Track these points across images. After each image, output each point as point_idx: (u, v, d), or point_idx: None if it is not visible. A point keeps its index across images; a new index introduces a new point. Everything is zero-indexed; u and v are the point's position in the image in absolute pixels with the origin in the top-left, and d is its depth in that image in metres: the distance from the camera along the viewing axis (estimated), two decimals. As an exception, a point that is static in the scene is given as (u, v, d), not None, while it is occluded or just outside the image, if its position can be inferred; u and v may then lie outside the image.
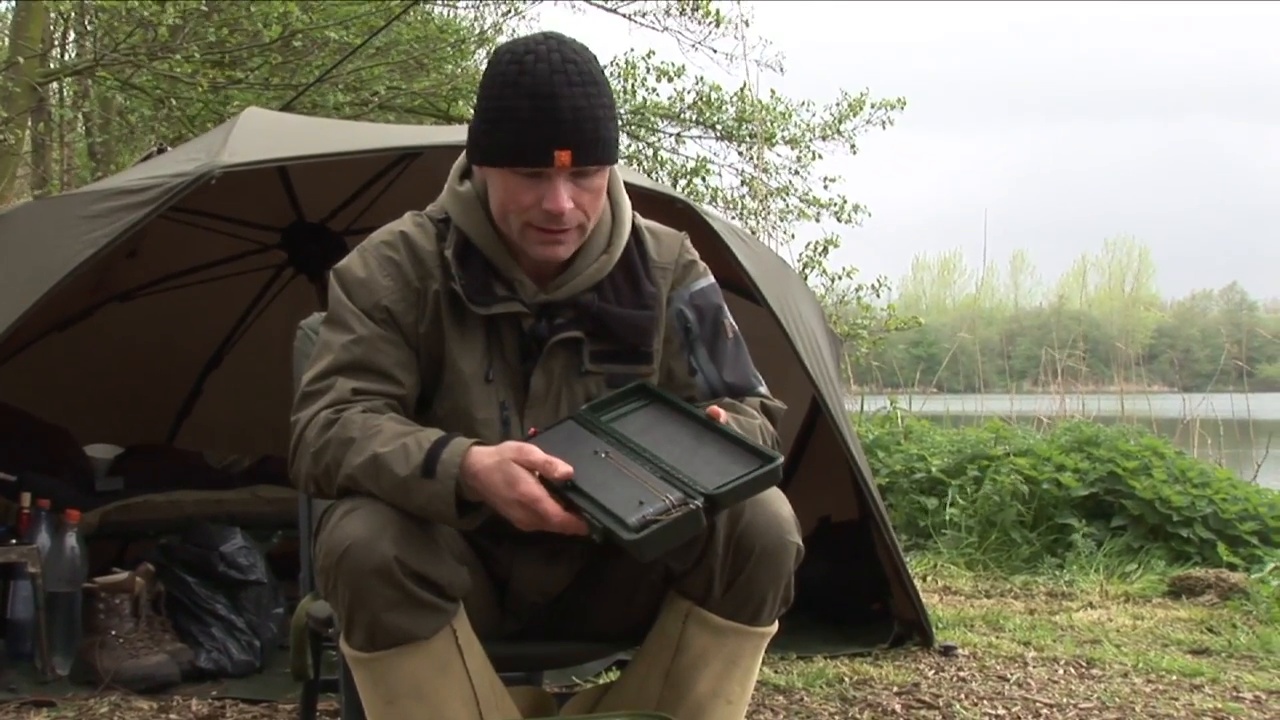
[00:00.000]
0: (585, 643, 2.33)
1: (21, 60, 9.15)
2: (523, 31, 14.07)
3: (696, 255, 2.35)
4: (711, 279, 2.35)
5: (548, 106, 2.03)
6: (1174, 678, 4.11)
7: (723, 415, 2.03)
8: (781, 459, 1.92)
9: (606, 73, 10.77)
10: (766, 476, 1.92)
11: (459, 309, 2.16)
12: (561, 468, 1.91)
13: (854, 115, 12.77)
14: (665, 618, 2.17)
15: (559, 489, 1.91)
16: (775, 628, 2.20)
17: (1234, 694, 3.94)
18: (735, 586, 2.10)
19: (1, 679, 3.73)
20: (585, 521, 1.89)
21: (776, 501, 2.11)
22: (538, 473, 1.91)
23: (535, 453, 1.92)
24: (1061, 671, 4.18)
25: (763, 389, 2.31)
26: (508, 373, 2.18)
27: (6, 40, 10.24)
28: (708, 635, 2.13)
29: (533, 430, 2.11)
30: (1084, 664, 4.29)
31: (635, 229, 2.29)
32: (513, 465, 1.91)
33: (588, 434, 2.07)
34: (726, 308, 2.34)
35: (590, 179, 2.10)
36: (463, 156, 2.25)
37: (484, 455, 1.94)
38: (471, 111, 2.22)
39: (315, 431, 2.06)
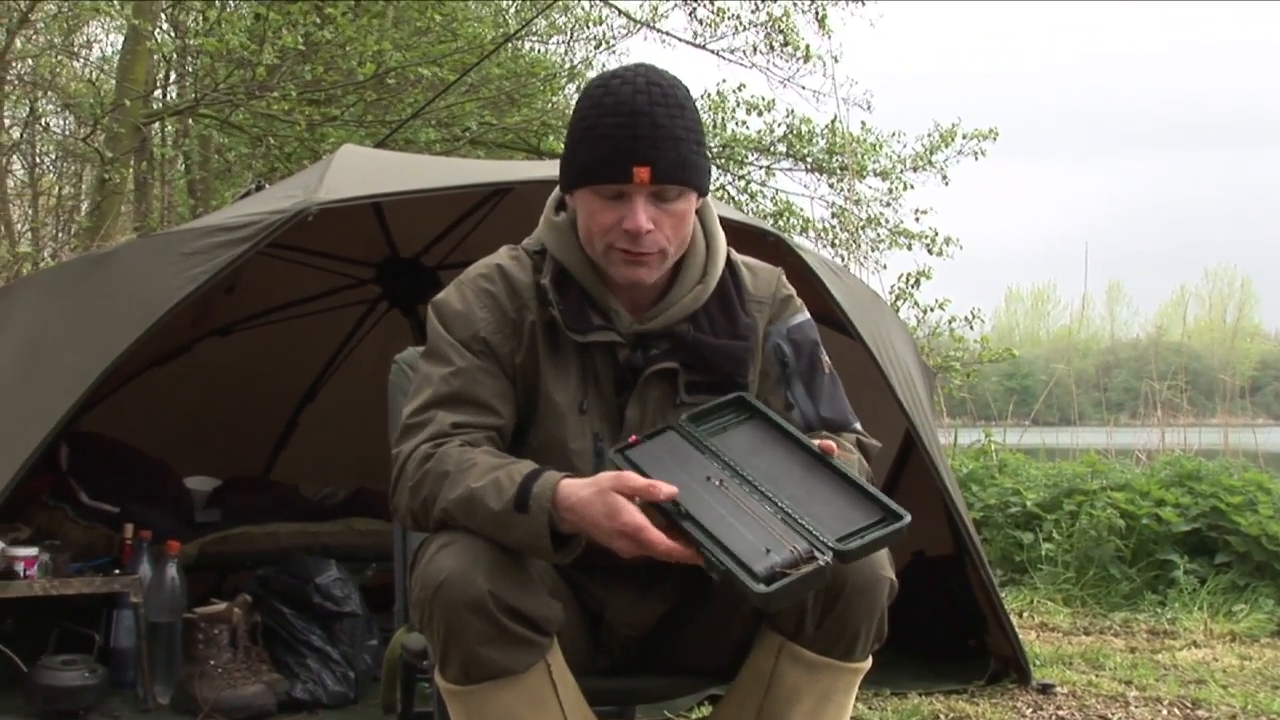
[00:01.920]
0: (678, 677, 2.31)
1: (127, 102, 9.39)
2: (612, 66, 14.18)
3: (793, 291, 2.35)
4: (808, 315, 2.33)
5: (628, 123, 2.05)
6: (1283, 719, 4.00)
7: (835, 449, 2.00)
8: (909, 517, 1.86)
9: (697, 105, 10.83)
10: (894, 535, 1.86)
11: (554, 340, 2.17)
12: (665, 489, 1.89)
13: (945, 146, 12.66)
14: (758, 653, 2.15)
15: (667, 511, 1.89)
16: (869, 664, 2.17)
17: (1346, 737, 3.82)
18: (828, 622, 2.08)
19: (105, 707, 3.79)
20: (702, 556, 1.85)
21: None
22: (638, 499, 1.90)
23: (634, 479, 1.91)
24: (1165, 712, 4.09)
25: (858, 425, 2.29)
26: (602, 404, 2.18)
27: (113, 83, 10.49)
28: (800, 671, 2.11)
29: (634, 438, 2.09)
30: (1189, 705, 4.18)
31: (730, 262, 2.28)
32: (612, 495, 1.89)
33: (693, 450, 2.04)
34: (822, 344, 2.32)
35: (671, 203, 2.10)
36: (557, 189, 2.26)
37: (579, 487, 1.92)
38: (562, 146, 2.22)
39: (414, 465, 2.07)
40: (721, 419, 2.09)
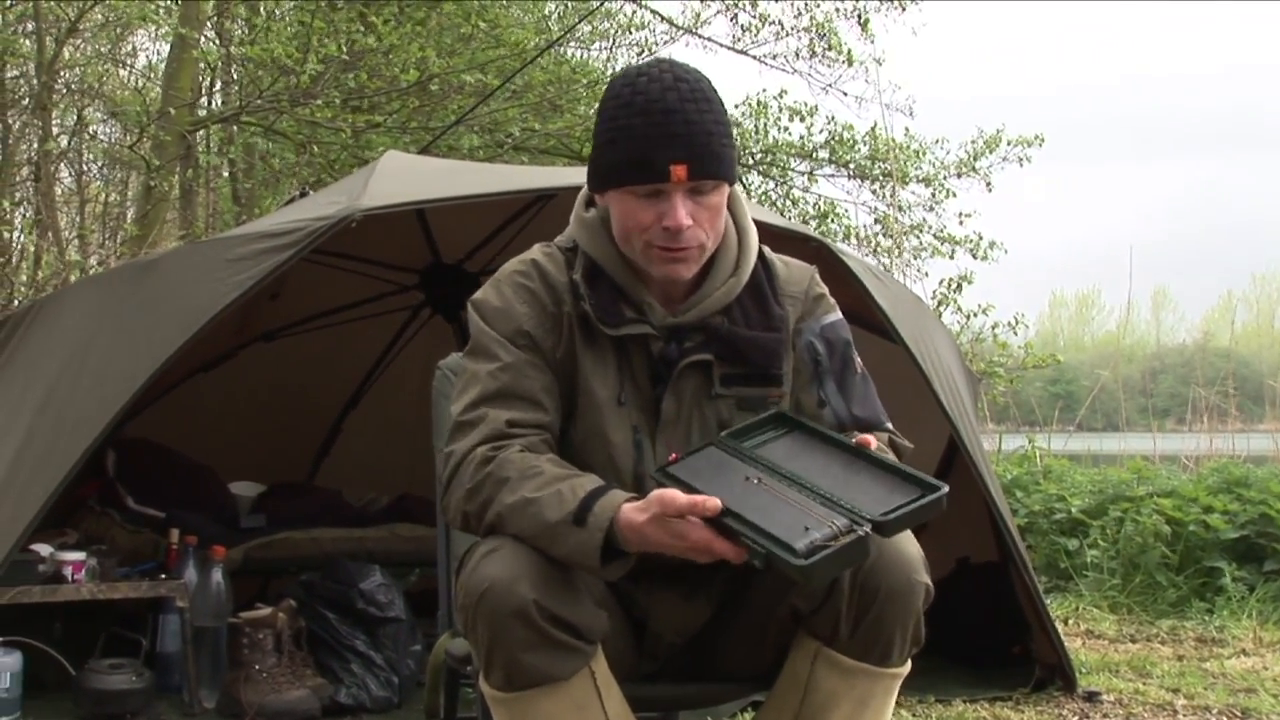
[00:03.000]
0: (721, 683, 2.30)
1: (173, 110, 9.47)
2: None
3: (826, 290, 2.35)
4: (840, 315, 2.33)
5: (661, 122, 2.06)
6: (1334, 729, 3.94)
7: (873, 442, 1.99)
8: (947, 488, 1.86)
9: (738, 112, 10.72)
10: (933, 505, 1.86)
11: (590, 333, 2.18)
12: (711, 503, 1.89)
13: (990, 152, 12.61)
14: (794, 658, 2.14)
15: (713, 520, 1.89)
16: (907, 668, 2.16)
17: (1399, 747, 3.77)
18: (863, 627, 2.07)
19: (151, 710, 3.83)
20: (746, 548, 1.86)
21: (903, 540, 2.06)
22: (687, 516, 1.90)
23: (679, 498, 1.90)
24: (1213, 721, 4.05)
25: (890, 425, 2.28)
26: (639, 396, 2.18)
27: (159, 91, 10.59)
28: (837, 677, 2.10)
29: (674, 456, 2.10)
30: (1238, 714, 4.13)
31: (763, 255, 2.29)
32: (670, 521, 1.89)
33: (733, 460, 2.04)
34: (854, 345, 2.32)
35: (707, 196, 2.11)
36: (586, 187, 2.27)
37: (636, 513, 1.92)
38: (600, 149, 2.22)
39: (472, 468, 2.07)
40: (762, 434, 2.10)
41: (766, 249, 2.32)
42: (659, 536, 1.91)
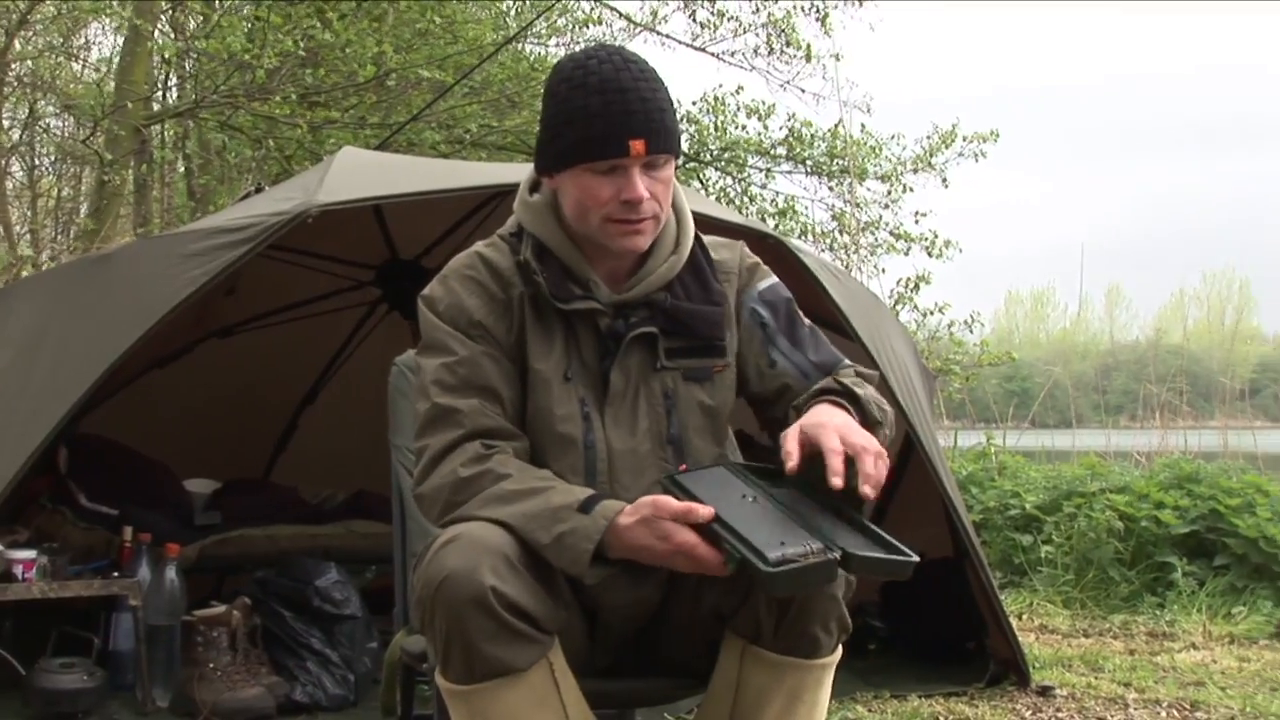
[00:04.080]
0: (675, 678, 2.31)
1: (128, 104, 9.38)
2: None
3: (757, 259, 2.41)
4: (775, 278, 2.40)
5: (618, 100, 2.12)
6: (1282, 722, 4.00)
7: (870, 495, 2.00)
8: (918, 559, 1.93)
9: (696, 109, 10.77)
10: (901, 565, 1.93)
11: (538, 312, 2.22)
12: (704, 511, 1.96)
13: (945, 148, 12.69)
14: (723, 657, 2.18)
15: (700, 527, 1.96)
16: (837, 656, 2.20)
17: (1345, 739, 3.82)
18: (785, 623, 2.11)
19: (103, 710, 3.80)
20: (724, 551, 1.93)
21: None
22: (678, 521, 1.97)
23: (672, 503, 1.98)
24: (1164, 714, 4.09)
25: (849, 363, 2.35)
26: (586, 372, 2.23)
27: (112, 85, 10.49)
28: (765, 673, 2.13)
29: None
30: (1188, 707, 4.18)
31: (697, 237, 2.35)
32: (658, 522, 1.97)
33: (736, 480, 2.10)
34: (795, 302, 2.39)
35: (660, 170, 2.17)
36: (530, 171, 2.31)
37: (626, 516, 1.99)
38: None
39: (462, 460, 2.10)
40: (777, 477, 2.13)
41: (698, 233, 2.37)
42: (645, 538, 1.97)
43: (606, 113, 2.11)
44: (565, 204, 2.21)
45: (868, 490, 1.96)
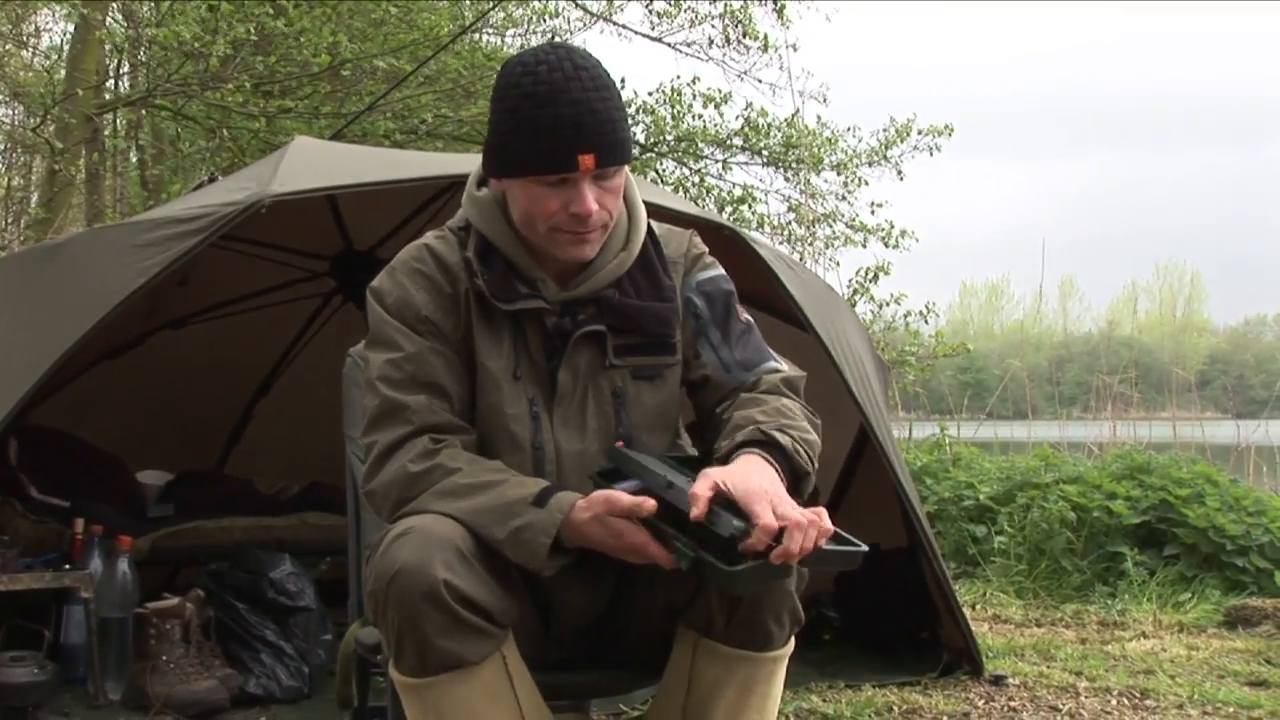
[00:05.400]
0: (628, 671, 2.32)
1: (79, 92, 9.28)
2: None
3: (705, 249, 2.40)
4: (721, 270, 2.38)
5: (568, 114, 2.08)
6: (1230, 710, 4.04)
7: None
8: (866, 548, 1.96)
9: (653, 100, 10.72)
10: (851, 555, 1.96)
11: (485, 309, 2.21)
12: (648, 504, 1.97)
13: (901, 142, 12.73)
14: (677, 650, 2.19)
15: (649, 523, 1.98)
16: (789, 649, 2.20)
17: (1291, 726, 3.88)
18: (737, 617, 2.11)
19: (54, 704, 3.76)
20: (674, 548, 1.95)
21: None
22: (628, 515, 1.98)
23: (623, 498, 1.98)
24: (1115, 702, 4.13)
25: (778, 364, 2.31)
26: (534, 370, 2.22)
27: (63, 72, 10.38)
28: (718, 666, 2.14)
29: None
30: (1138, 695, 4.23)
31: (650, 230, 2.33)
32: (610, 520, 1.98)
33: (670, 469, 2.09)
34: (737, 296, 2.36)
35: (610, 180, 2.15)
36: (478, 166, 2.29)
37: (580, 510, 2.00)
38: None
39: (412, 455, 2.10)
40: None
41: (653, 222, 2.36)
42: (599, 534, 1.99)
43: (556, 127, 2.07)
44: (513, 208, 2.20)
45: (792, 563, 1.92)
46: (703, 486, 1.94)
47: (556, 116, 2.07)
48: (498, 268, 2.21)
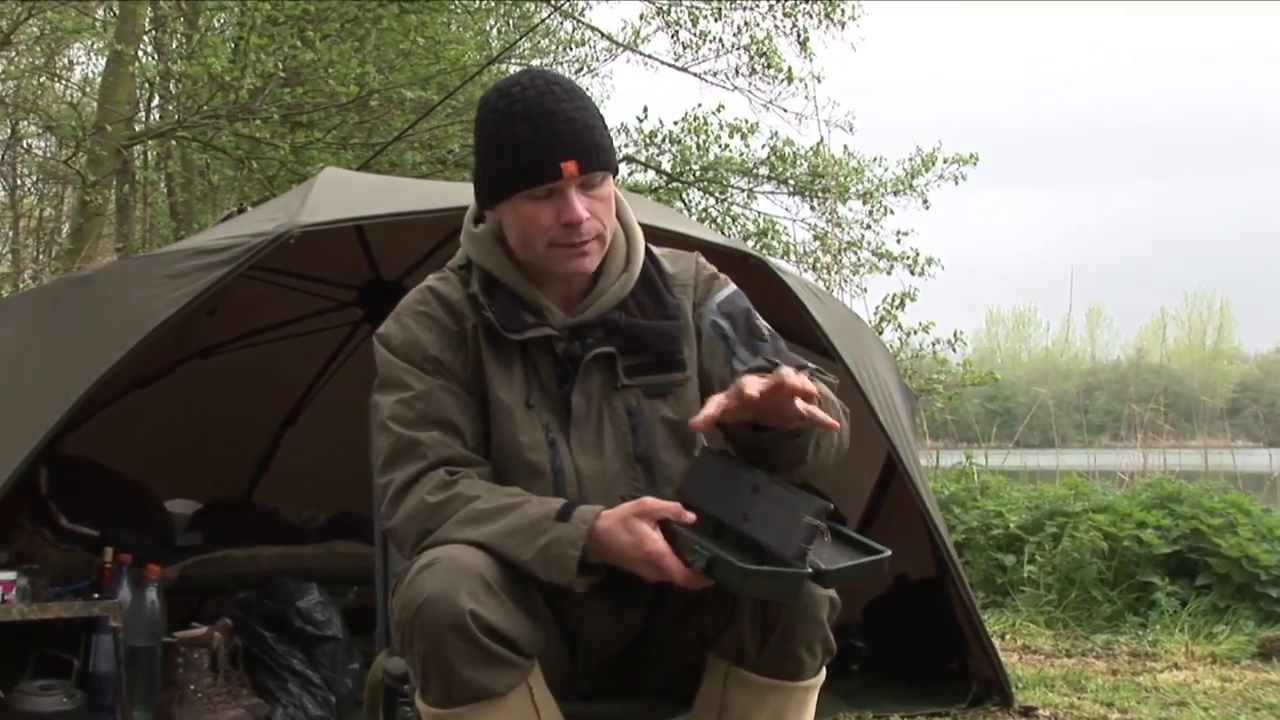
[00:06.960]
0: (657, 701, 2.31)
1: (109, 125, 9.37)
2: (596, 89, 14.22)
3: (714, 268, 2.40)
4: (734, 286, 2.38)
5: (545, 124, 2.12)
6: (1264, 741, 4.00)
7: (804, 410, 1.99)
8: (889, 553, 1.96)
9: (678, 129, 10.77)
10: (874, 566, 1.97)
11: (494, 342, 2.21)
12: (688, 517, 1.98)
13: (926, 171, 12.73)
14: (707, 679, 2.17)
15: (671, 528, 1.98)
16: (821, 678, 2.19)
17: (1327, 758, 3.83)
18: (769, 646, 2.10)
19: (82, 733, 3.77)
20: (690, 552, 1.94)
21: None
22: (659, 521, 1.98)
23: (657, 503, 2.00)
24: (1146, 734, 4.09)
25: (811, 367, 2.30)
26: (547, 398, 2.22)
27: (95, 105, 10.48)
28: (749, 695, 2.13)
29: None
30: (1170, 726, 4.19)
31: (649, 251, 2.34)
32: (635, 522, 1.98)
33: (739, 471, 2.09)
34: (754, 311, 2.37)
35: (598, 188, 2.17)
36: (473, 205, 2.31)
37: (608, 516, 2.01)
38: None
39: (430, 487, 2.10)
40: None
41: (651, 246, 2.37)
42: (624, 541, 1.98)
43: (535, 138, 2.11)
44: (509, 234, 2.21)
45: (800, 406, 1.95)
46: (712, 405, 1.99)
47: (534, 129, 2.11)
48: (503, 300, 2.22)
